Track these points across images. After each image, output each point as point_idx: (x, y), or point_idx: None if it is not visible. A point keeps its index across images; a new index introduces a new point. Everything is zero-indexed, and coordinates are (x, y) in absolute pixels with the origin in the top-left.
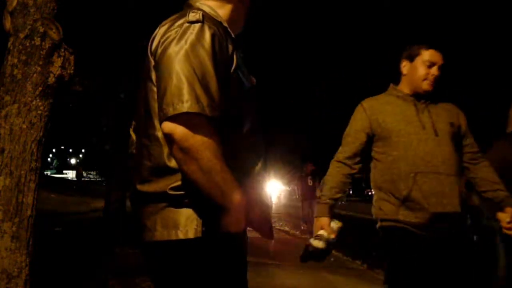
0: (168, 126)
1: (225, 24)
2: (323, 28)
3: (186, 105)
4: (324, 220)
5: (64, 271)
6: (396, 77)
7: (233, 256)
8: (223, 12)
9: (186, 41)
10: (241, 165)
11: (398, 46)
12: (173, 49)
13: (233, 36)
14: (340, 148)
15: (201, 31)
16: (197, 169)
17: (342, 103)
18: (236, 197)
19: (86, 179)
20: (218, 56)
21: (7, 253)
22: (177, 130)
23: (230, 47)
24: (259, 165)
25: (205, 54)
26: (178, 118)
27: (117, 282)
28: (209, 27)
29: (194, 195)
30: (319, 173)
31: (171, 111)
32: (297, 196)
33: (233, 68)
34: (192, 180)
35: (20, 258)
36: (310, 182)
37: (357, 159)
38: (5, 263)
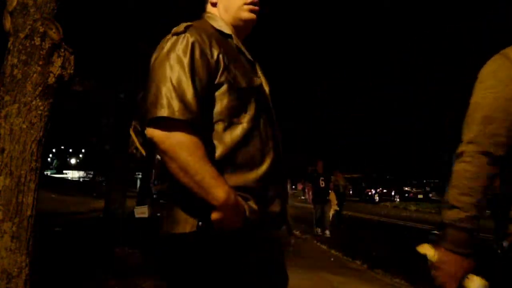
0: (148, 130)
1: (228, 31)
2: (325, 29)
3: (160, 110)
4: (466, 263)
5: (64, 271)
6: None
7: (230, 252)
8: (227, 18)
9: (165, 51)
10: (243, 163)
11: (398, 46)
12: (155, 59)
13: (233, 40)
14: (478, 131)
15: (178, 41)
16: (177, 169)
17: (343, 103)
18: (220, 194)
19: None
20: (199, 62)
21: (7, 253)
22: (155, 133)
23: (216, 52)
24: (267, 162)
25: (180, 62)
26: (155, 123)
27: (117, 282)
28: (190, 36)
29: (187, 193)
30: (330, 173)
31: (148, 116)
32: (306, 198)
33: (220, 71)
34: (177, 180)
35: (20, 258)
36: (322, 184)
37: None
38: (5, 263)
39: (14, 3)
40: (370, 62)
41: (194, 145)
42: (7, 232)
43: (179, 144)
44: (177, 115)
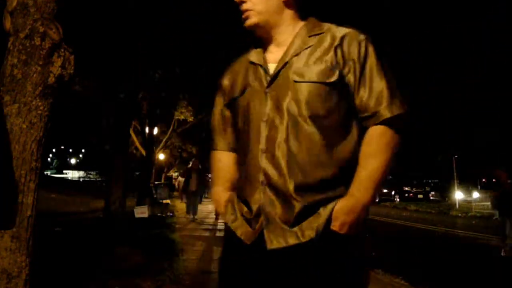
0: None
1: (265, 45)
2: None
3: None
4: None
5: (64, 271)
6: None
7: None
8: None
9: None
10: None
11: (398, 46)
12: None
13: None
14: None
15: None
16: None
17: None
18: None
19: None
20: (219, 91)
21: (7, 253)
22: None
23: (229, 74)
24: (245, 163)
25: (215, 98)
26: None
27: (117, 282)
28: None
29: None
30: None
31: None
32: None
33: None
34: None
35: (20, 258)
36: None
37: None
38: (5, 263)
39: (14, 3)
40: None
41: (213, 159)
42: (7, 232)
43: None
44: (212, 148)
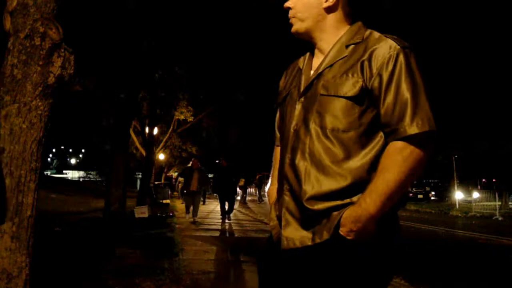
0: None
1: (314, 50)
2: None
3: None
4: None
5: (64, 271)
6: None
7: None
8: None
9: None
10: None
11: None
12: None
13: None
14: None
15: None
16: None
17: None
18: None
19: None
20: (279, 90)
21: (7, 253)
22: None
23: (284, 76)
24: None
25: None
26: None
27: (117, 282)
28: None
29: None
30: None
31: None
32: None
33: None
34: None
35: (20, 258)
36: None
37: None
38: (5, 263)
39: (14, 3)
40: None
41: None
42: (7, 232)
43: None
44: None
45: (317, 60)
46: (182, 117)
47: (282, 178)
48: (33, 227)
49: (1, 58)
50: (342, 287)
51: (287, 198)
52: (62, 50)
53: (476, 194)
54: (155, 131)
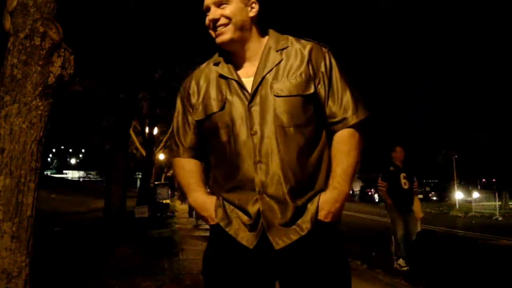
0: None
1: (233, 60)
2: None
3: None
4: None
5: (64, 271)
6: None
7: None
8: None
9: None
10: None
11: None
12: None
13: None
14: None
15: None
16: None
17: None
18: (189, 198)
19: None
20: (184, 101)
21: (7, 253)
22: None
23: (194, 85)
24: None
25: (177, 105)
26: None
27: (117, 282)
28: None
29: None
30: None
31: None
32: (377, 202)
33: (194, 100)
34: None
35: (20, 258)
36: (405, 184)
37: None
38: (5, 263)
39: (14, 3)
40: (369, 62)
41: (183, 164)
42: (7, 232)
43: (175, 163)
44: (174, 155)
45: (247, 68)
46: None
47: (247, 184)
48: (33, 227)
49: (1, 58)
50: (330, 263)
51: (264, 201)
52: (62, 50)
53: (476, 194)
54: (155, 131)
